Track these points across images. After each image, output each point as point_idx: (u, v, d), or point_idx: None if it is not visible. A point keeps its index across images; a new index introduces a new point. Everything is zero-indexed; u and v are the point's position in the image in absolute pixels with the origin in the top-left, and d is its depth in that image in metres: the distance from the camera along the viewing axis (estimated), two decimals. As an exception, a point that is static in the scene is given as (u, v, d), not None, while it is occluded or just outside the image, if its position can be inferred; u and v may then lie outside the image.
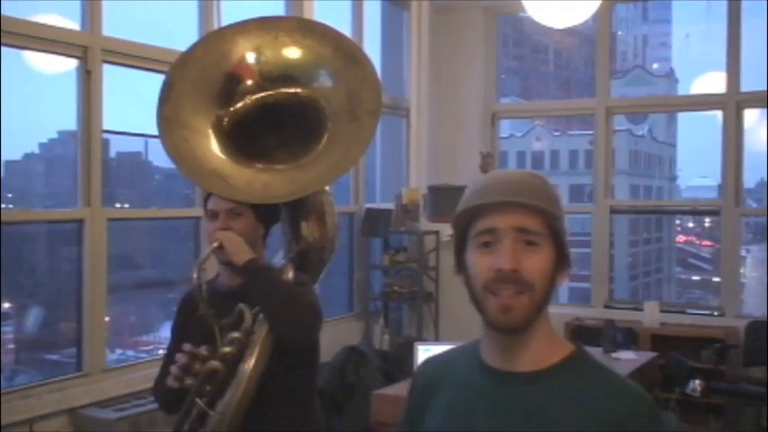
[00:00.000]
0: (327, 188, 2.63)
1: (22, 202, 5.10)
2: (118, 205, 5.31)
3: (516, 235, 1.34)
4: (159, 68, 5.01)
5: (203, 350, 2.30)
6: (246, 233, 2.47)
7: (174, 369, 2.30)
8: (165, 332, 6.35)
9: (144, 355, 5.44)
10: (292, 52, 2.61)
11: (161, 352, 5.37)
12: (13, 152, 4.90)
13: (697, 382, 6.03)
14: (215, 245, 2.43)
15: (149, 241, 5.81)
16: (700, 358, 6.28)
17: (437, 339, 6.61)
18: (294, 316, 2.32)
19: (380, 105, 2.50)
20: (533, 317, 1.36)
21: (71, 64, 4.56)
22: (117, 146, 5.32)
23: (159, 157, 6.01)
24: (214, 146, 2.54)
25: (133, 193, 6.02)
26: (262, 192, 2.48)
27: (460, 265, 1.43)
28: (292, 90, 2.59)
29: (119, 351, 5.38)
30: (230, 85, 2.61)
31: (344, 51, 2.58)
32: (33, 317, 5.02)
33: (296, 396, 2.51)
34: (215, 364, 2.26)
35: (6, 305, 4.74)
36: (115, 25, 4.69)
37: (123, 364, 4.90)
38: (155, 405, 4.44)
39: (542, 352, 1.40)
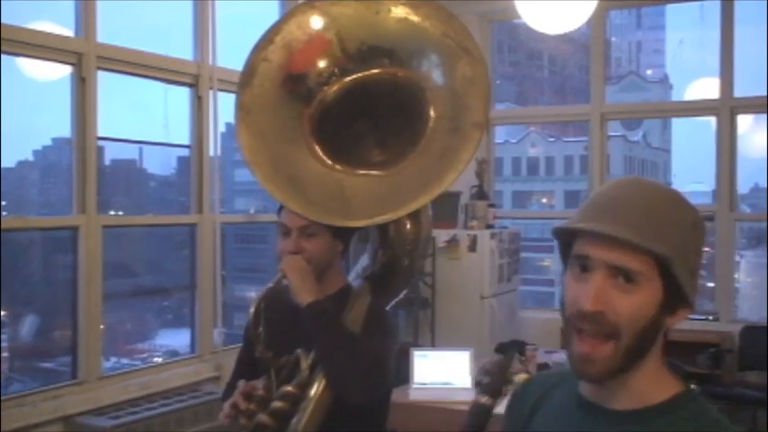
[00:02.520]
0: None
1: (16, 209, 5.09)
2: (113, 212, 5.30)
3: (609, 271, 1.16)
4: (154, 75, 5.03)
5: (260, 386, 2.11)
6: (321, 255, 2.23)
7: (225, 407, 2.12)
8: (161, 340, 6.35)
9: (139, 362, 5.43)
10: (394, 26, 2.21)
11: (156, 359, 5.37)
12: (7, 159, 4.89)
13: (692, 386, 6.03)
14: (278, 276, 2.18)
15: (144, 248, 5.81)
16: (695, 363, 6.28)
17: (433, 345, 6.60)
18: (355, 373, 2.08)
19: (488, 117, 2.11)
20: (620, 366, 1.18)
21: (65, 71, 4.56)
22: (111, 153, 5.32)
23: (154, 163, 6.03)
24: (299, 144, 2.21)
25: (128, 200, 6.02)
26: (339, 212, 2.16)
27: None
28: (390, 70, 2.21)
29: (113, 359, 5.37)
30: (321, 65, 2.24)
31: (455, 39, 2.14)
32: (28, 325, 5.01)
33: None
34: (264, 418, 2.05)
35: (1, 313, 4.73)
36: (109, 32, 4.69)
37: (118, 372, 4.89)
38: (150, 413, 4.46)
39: (644, 391, 1.23)
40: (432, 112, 2.13)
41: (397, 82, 2.20)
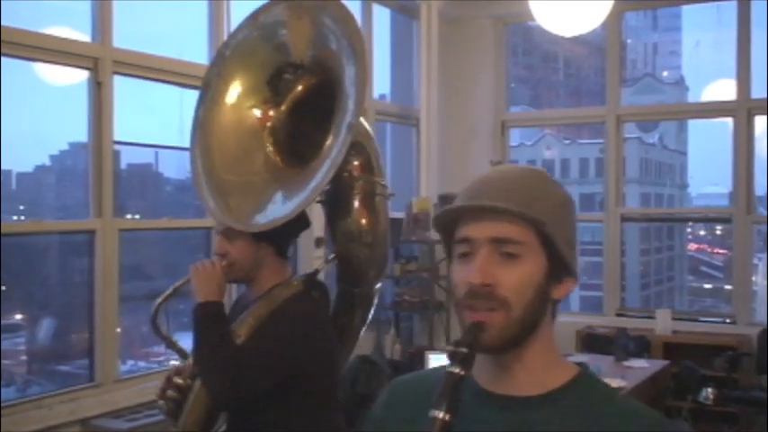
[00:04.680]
0: (374, 177, 2.53)
1: (33, 213, 5.12)
2: (129, 216, 5.32)
3: (492, 246, 1.20)
4: (169, 80, 5.05)
5: (186, 370, 2.39)
6: (243, 257, 2.42)
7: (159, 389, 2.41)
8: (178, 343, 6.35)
9: (155, 365, 5.44)
10: (311, 34, 2.43)
11: (173, 363, 5.38)
12: (24, 164, 4.93)
13: (710, 390, 6.01)
14: (187, 277, 2.46)
15: (160, 252, 5.82)
16: (712, 366, 6.25)
17: (448, 349, 6.59)
18: (211, 376, 2.26)
19: (358, 117, 2.25)
20: (514, 335, 1.21)
21: (82, 76, 4.58)
22: (127, 157, 5.34)
23: (170, 167, 6.04)
24: (246, 153, 2.45)
25: (144, 204, 6.03)
26: (243, 220, 2.40)
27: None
28: (316, 78, 2.46)
29: (130, 362, 5.39)
30: (273, 78, 2.47)
31: (350, 43, 2.34)
32: (45, 328, 5.03)
33: (302, 411, 2.38)
34: (161, 404, 2.35)
35: (18, 316, 4.75)
36: (126, 37, 4.71)
37: (135, 375, 4.91)
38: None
39: (543, 374, 1.25)
40: (338, 108, 2.30)
41: (320, 89, 2.40)
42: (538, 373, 1.24)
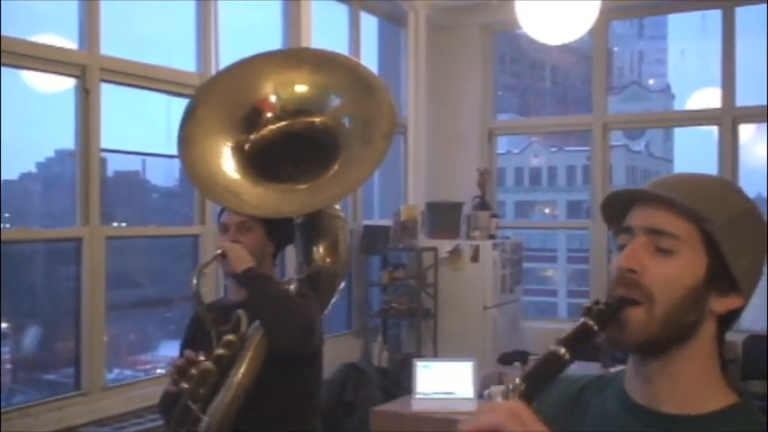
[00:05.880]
0: (341, 214, 2.76)
1: (19, 221, 5.10)
2: (116, 224, 5.31)
3: (648, 237, 1.14)
4: (157, 87, 5.05)
5: (201, 356, 2.37)
6: (254, 248, 2.56)
7: (171, 372, 2.39)
8: (164, 351, 6.34)
9: (141, 374, 5.43)
10: (312, 83, 2.71)
11: (159, 371, 5.37)
12: (10, 171, 4.90)
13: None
14: (218, 252, 2.53)
15: (148, 260, 5.81)
16: (699, 373, 6.27)
17: (436, 356, 6.60)
18: (284, 325, 2.39)
19: (394, 129, 2.56)
20: (656, 335, 1.12)
21: (69, 83, 4.57)
22: (114, 164, 5.33)
23: (157, 175, 6.03)
24: (231, 166, 2.63)
25: (131, 212, 6.02)
26: (272, 207, 2.57)
27: None
28: (310, 119, 2.69)
29: (116, 370, 5.37)
30: (253, 112, 2.70)
31: (362, 81, 2.67)
32: (31, 336, 5.01)
33: (292, 405, 2.56)
34: (208, 364, 2.32)
35: (4, 325, 4.73)
36: (113, 44, 4.70)
37: (121, 383, 4.89)
38: (154, 423, 4.46)
39: (696, 394, 1.16)
40: (345, 140, 2.59)
41: (318, 125, 2.68)
42: (690, 391, 1.16)
